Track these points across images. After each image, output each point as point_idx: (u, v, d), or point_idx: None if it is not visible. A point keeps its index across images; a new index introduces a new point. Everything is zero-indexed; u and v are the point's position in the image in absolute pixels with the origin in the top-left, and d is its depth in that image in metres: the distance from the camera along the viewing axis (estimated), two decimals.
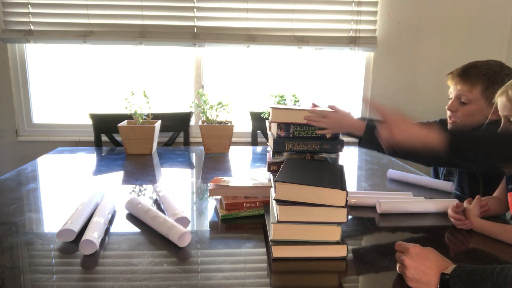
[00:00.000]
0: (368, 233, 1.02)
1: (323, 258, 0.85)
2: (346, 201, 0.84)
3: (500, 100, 1.00)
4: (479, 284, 0.65)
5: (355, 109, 2.42)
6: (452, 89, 1.32)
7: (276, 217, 0.86)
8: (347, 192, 0.83)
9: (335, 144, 1.27)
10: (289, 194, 0.85)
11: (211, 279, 0.77)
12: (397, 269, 0.79)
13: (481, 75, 1.26)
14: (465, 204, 1.05)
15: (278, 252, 0.85)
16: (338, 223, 0.85)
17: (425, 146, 0.92)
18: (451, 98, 1.33)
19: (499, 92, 1.01)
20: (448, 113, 1.33)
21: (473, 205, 1.03)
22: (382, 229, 1.05)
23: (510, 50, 2.30)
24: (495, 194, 1.16)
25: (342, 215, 0.84)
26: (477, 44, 2.30)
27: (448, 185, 1.36)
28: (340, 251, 0.85)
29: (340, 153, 1.28)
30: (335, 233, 0.85)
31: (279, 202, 0.85)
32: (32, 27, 2.13)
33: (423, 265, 0.72)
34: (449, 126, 1.35)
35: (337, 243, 0.85)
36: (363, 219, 1.11)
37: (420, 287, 0.72)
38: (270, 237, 0.87)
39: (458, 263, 0.72)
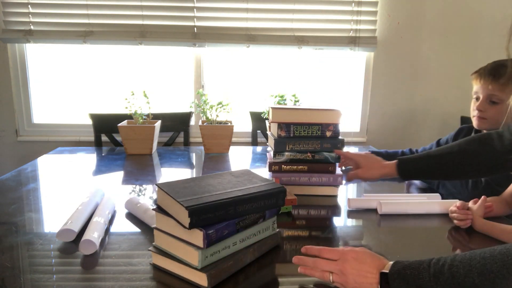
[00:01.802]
0: (369, 234, 1.02)
1: (187, 281, 0.75)
2: (193, 222, 0.71)
3: None
4: (417, 277, 0.64)
5: (355, 109, 2.42)
6: (480, 88, 1.29)
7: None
8: (190, 212, 0.70)
9: (336, 143, 1.27)
10: (164, 203, 0.79)
11: None
12: (330, 278, 0.73)
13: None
14: (470, 204, 1.05)
15: (156, 259, 0.81)
16: (197, 247, 0.72)
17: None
18: (477, 98, 1.31)
19: None
20: (475, 112, 1.32)
21: (478, 206, 1.03)
22: (383, 230, 1.05)
23: (510, 50, 2.30)
24: (502, 194, 1.15)
25: (198, 239, 0.72)
26: (477, 44, 2.30)
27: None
28: (201, 279, 0.73)
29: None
30: (194, 257, 0.73)
31: (158, 208, 0.80)
32: (32, 27, 2.13)
33: (362, 270, 0.70)
34: (475, 123, 1.33)
35: (196, 268, 0.73)
36: (363, 220, 1.11)
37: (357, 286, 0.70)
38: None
39: (393, 260, 0.70)
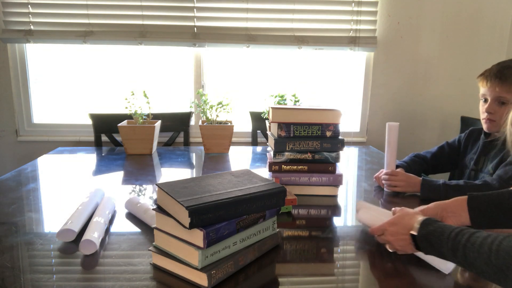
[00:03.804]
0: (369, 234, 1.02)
1: (188, 281, 0.75)
2: (193, 222, 0.71)
3: None
4: (439, 245, 0.71)
5: (355, 109, 2.42)
6: (488, 91, 1.28)
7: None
8: (190, 212, 0.70)
9: (336, 143, 1.27)
10: (164, 203, 0.80)
11: None
12: (388, 248, 0.86)
13: None
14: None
15: (156, 259, 0.81)
16: (197, 247, 0.73)
17: None
18: (486, 100, 1.30)
19: None
20: (484, 115, 1.31)
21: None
22: None
23: (510, 50, 2.30)
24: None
25: (198, 238, 0.73)
26: (477, 44, 2.31)
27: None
28: (201, 279, 0.73)
29: (340, 152, 1.28)
30: (194, 257, 0.73)
31: (158, 208, 0.81)
32: (32, 27, 2.13)
33: (398, 234, 0.81)
34: (485, 126, 1.33)
35: (197, 268, 0.73)
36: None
37: (405, 250, 0.81)
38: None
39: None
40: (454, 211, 0.89)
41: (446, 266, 0.81)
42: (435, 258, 0.79)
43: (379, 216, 0.95)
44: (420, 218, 0.78)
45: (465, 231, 0.68)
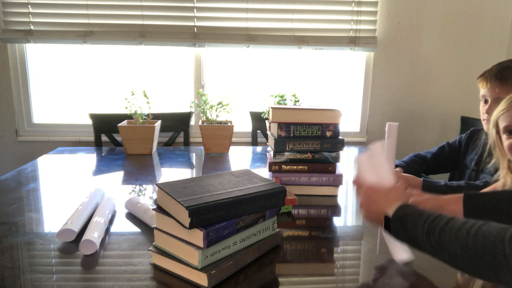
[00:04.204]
0: (369, 234, 1.02)
1: (188, 281, 0.75)
2: (193, 222, 0.71)
3: None
4: (414, 228, 0.69)
5: (355, 109, 2.42)
6: (488, 92, 1.28)
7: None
8: (190, 212, 0.70)
9: (336, 143, 1.27)
10: (164, 203, 0.80)
11: None
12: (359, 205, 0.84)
13: None
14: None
15: (156, 259, 0.81)
16: (197, 247, 0.73)
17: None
18: (486, 101, 1.30)
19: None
20: (485, 116, 1.30)
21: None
22: None
23: (510, 50, 2.30)
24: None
25: (198, 238, 0.73)
26: (477, 44, 2.30)
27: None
28: (201, 279, 0.73)
29: (340, 151, 1.28)
30: (194, 257, 0.73)
31: (158, 208, 0.81)
32: (32, 27, 2.13)
33: (372, 207, 0.79)
34: (485, 127, 1.32)
35: (197, 268, 0.73)
36: (363, 220, 1.11)
37: (371, 220, 0.80)
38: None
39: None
40: (452, 209, 0.87)
41: (404, 256, 0.82)
42: (396, 245, 0.81)
43: (377, 170, 0.87)
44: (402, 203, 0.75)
45: (443, 216, 0.67)
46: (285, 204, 1.10)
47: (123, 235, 0.96)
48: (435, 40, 2.29)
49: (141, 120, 1.87)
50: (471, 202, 0.87)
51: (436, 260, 0.65)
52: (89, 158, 1.78)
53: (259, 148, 2.06)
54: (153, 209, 0.83)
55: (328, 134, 1.26)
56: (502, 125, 1.01)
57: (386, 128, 1.26)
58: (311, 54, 2.33)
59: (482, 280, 0.62)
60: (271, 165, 1.28)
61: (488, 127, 1.31)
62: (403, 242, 0.73)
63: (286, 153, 1.27)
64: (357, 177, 0.87)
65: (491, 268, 0.57)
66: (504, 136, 1.01)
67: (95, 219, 0.97)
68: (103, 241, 0.92)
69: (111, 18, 2.15)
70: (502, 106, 1.01)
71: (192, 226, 0.71)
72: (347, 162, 1.79)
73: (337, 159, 1.28)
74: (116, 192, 1.28)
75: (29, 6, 2.11)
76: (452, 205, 0.88)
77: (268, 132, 1.47)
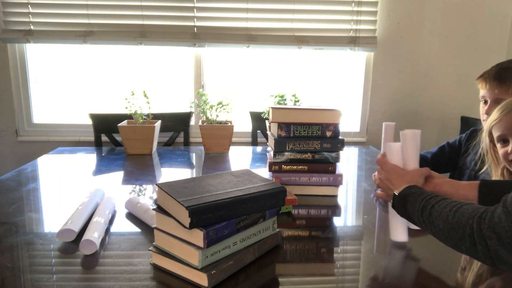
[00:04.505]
0: (369, 234, 1.02)
1: (188, 281, 0.75)
2: (193, 222, 0.71)
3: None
4: (412, 206, 0.78)
5: (355, 109, 2.42)
6: (487, 93, 1.27)
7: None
8: (190, 212, 0.70)
9: (336, 143, 1.27)
10: (164, 203, 0.79)
11: None
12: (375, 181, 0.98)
13: None
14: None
15: (156, 259, 0.80)
16: (197, 247, 0.73)
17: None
18: (486, 101, 1.29)
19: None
20: (485, 116, 1.29)
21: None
22: (383, 230, 1.05)
23: (510, 50, 2.30)
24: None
25: (198, 238, 0.72)
26: (477, 44, 2.31)
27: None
28: (201, 279, 0.73)
29: (340, 152, 1.28)
30: (194, 257, 0.73)
31: (158, 208, 0.81)
32: (32, 27, 2.13)
33: (387, 185, 0.92)
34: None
35: (197, 268, 0.73)
36: (363, 220, 1.11)
37: (384, 193, 0.95)
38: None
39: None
40: (466, 194, 0.90)
41: (401, 237, 0.92)
42: (396, 227, 0.92)
43: (404, 156, 0.94)
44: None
45: (439, 196, 0.75)
46: (285, 204, 1.10)
47: (123, 235, 0.96)
48: (435, 40, 2.30)
49: (141, 120, 1.87)
50: (485, 189, 0.89)
51: (437, 260, 0.66)
52: (89, 158, 1.78)
53: (259, 148, 2.06)
54: (153, 209, 0.83)
55: (328, 134, 1.26)
56: (495, 134, 1.04)
57: (383, 129, 1.25)
58: (311, 54, 2.33)
59: (458, 252, 0.70)
60: (271, 165, 1.27)
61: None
62: (402, 215, 0.83)
63: (286, 153, 1.27)
64: (382, 156, 0.96)
65: (461, 240, 0.65)
66: (498, 145, 1.04)
67: (95, 219, 0.97)
68: (103, 241, 0.92)
69: (111, 18, 2.15)
70: (494, 115, 1.03)
71: (192, 226, 0.71)
72: (347, 162, 1.79)
73: (337, 159, 1.27)
74: (116, 192, 1.28)
75: (29, 6, 2.11)
76: (466, 190, 0.90)
77: (268, 132, 1.47)
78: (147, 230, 0.99)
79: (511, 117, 1.03)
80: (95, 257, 0.85)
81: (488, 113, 1.28)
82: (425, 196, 0.77)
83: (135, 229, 1.00)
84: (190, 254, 0.74)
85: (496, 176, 1.09)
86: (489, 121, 1.06)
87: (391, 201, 0.87)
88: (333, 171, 1.27)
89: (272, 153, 1.29)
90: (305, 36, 2.21)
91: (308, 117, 1.25)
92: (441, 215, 0.70)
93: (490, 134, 1.06)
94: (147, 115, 1.90)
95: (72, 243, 0.91)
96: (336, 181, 1.27)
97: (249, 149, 2.04)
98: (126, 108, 1.85)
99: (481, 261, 0.64)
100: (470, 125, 2.04)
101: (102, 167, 1.63)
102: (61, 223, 0.95)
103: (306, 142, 1.26)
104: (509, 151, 1.02)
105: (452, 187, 0.92)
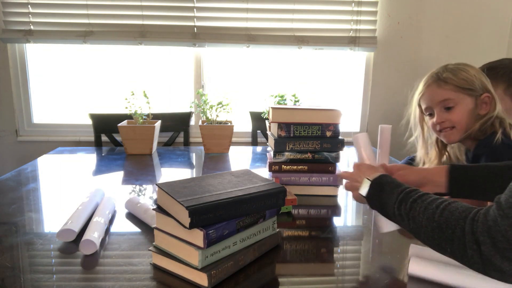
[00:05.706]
0: (369, 234, 1.02)
1: (188, 281, 0.75)
2: (193, 222, 0.71)
3: None
4: (388, 196, 0.72)
5: (355, 109, 2.42)
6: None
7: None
8: (190, 212, 0.70)
9: (336, 143, 1.27)
10: (164, 203, 0.79)
11: None
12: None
13: (500, 75, 1.25)
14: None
15: (156, 259, 0.80)
16: (197, 247, 0.73)
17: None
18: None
19: None
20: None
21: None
22: None
23: (510, 50, 2.30)
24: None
25: (198, 238, 0.72)
26: (477, 44, 2.30)
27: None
28: (201, 279, 0.73)
29: (340, 151, 1.28)
30: (194, 257, 0.73)
31: (158, 208, 0.81)
32: (32, 27, 2.13)
33: (357, 178, 0.84)
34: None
35: (197, 268, 0.73)
36: (362, 220, 1.11)
37: (353, 187, 0.85)
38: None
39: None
40: (434, 180, 0.86)
41: (389, 227, 0.85)
42: (382, 218, 0.82)
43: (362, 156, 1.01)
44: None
45: (420, 191, 0.70)
46: (285, 204, 1.10)
47: (123, 235, 0.96)
48: (435, 40, 2.29)
49: (141, 120, 1.87)
50: (456, 173, 0.85)
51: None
52: (89, 158, 1.78)
53: (259, 148, 2.06)
54: (153, 209, 0.83)
55: (328, 134, 1.26)
56: (423, 106, 1.14)
57: (379, 131, 1.24)
58: (311, 54, 2.33)
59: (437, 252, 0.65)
60: (271, 165, 1.27)
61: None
62: (373, 207, 0.77)
63: (286, 153, 1.27)
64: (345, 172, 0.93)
65: (448, 241, 0.60)
66: (426, 118, 1.15)
67: (95, 219, 0.97)
68: (103, 241, 0.91)
69: (111, 18, 2.15)
70: (419, 88, 1.16)
71: (192, 226, 0.71)
72: (347, 162, 1.79)
73: (337, 159, 1.27)
74: (116, 192, 1.28)
75: (29, 6, 2.11)
76: (434, 175, 0.86)
77: (268, 132, 1.47)
78: (147, 230, 0.99)
79: (431, 89, 1.16)
80: (95, 257, 0.85)
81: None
82: (404, 188, 0.71)
83: (135, 229, 1.00)
84: (190, 254, 0.74)
85: (425, 147, 1.21)
86: (416, 93, 1.17)
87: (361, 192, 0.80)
88: (333, 171, 1.27)
89: (272, 153, 1.29)
90: (305, 36, 2.21)
91: (308, 117, 1.25)
92: (425, 211, 0.64)
93: (420, 106, 1.16)
94: (147, 115, 1.90)
95: (72, 243, 0.91)
96: (336, 181, 1.28)
97: (249, 149, 2.04)
98: (126, 108, 1.85)
99: (466, 265, 0.59)
100: None
101: (102, 167, 1.63)
102: (61, 223, 0.95)
103: (306, 142, 1.26)
104: (435, 122, 1.13)
105: (419, 174, 0.87)
